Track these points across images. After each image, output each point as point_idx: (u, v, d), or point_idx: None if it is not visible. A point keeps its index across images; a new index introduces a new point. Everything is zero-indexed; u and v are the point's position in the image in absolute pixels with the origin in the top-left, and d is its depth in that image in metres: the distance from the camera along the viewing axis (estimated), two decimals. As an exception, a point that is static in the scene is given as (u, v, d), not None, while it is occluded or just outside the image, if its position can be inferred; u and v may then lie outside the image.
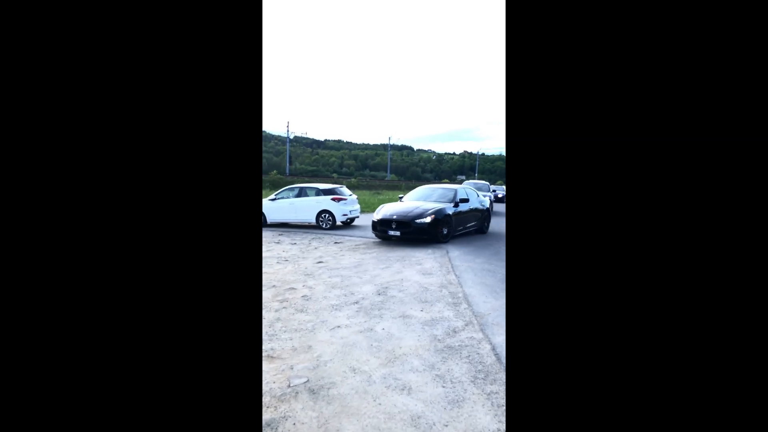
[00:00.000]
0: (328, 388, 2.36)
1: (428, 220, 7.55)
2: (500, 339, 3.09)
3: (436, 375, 2.52)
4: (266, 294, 4.35)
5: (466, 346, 2.96)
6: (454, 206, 8.17)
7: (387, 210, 8.19)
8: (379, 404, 2.20)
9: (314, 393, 2.31)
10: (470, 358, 2.76)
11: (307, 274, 5.24)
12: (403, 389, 2.35)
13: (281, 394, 2.29)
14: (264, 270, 5.47)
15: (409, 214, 7.74)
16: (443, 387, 2.38)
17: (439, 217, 7.69)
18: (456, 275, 5.20)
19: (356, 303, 4.01)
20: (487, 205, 9.64)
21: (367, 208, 16.50)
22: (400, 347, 2.95)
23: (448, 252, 6.86)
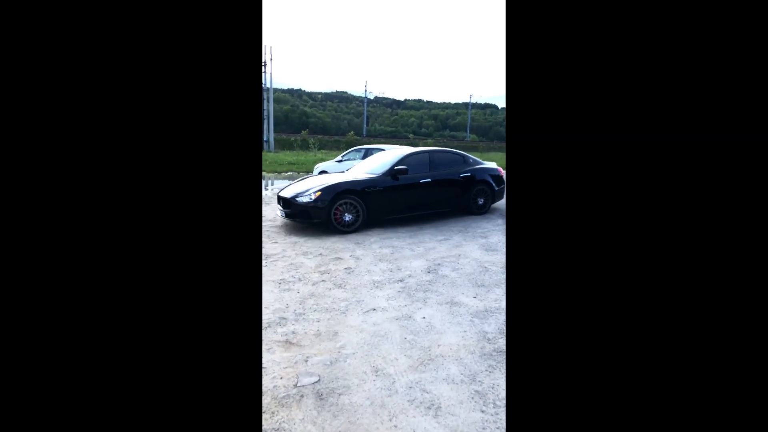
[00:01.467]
0: (340, 394, 1.97)
1: (310, 198, 5.26)
2: (570, 347, 2.42)
3: (476, 391, 1.98)
4: (310, 263, 4.09)
5: (523, 352, 2.35)
6: (391, 178, 5.70)
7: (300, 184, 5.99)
8: (395, 426, 1.75)
9: (322, 399, 1.93)
10: (525, 371, 2.16)
11: (358, 243, 4.89)
12: (429, 407, 1.87)
13: (284, 396, 1.95)
14: (317, 235, 5.24)
15: (298, 189, 5.59)
16: (482, 412, 1.84)
17: (331, 194, 5.25)
18: (525, 253, 4.45)
19: (401, 281, 3.55)
20: (488, 176, 6.63)
21: (440, 170, 15.72)
22: (439, 345, 2.44)
23: (520, 224, 6.02)
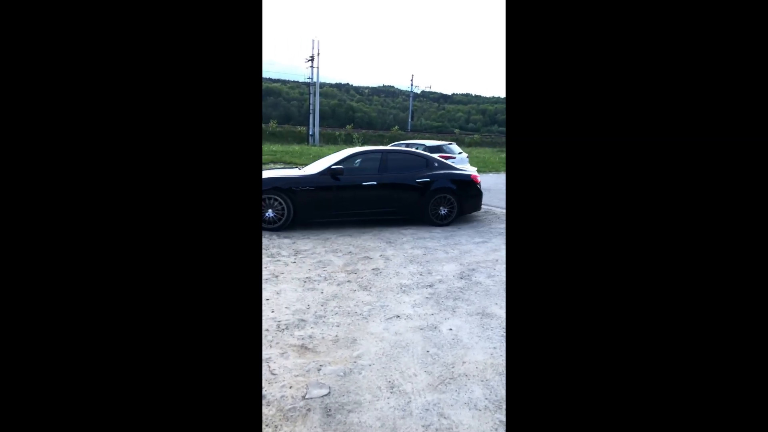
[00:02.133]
0: (349, 411, 1.82)
1: None
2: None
3: (501, 422, 1.76)
4: (339, 261, 3.99)
5: (559, 378, 2.09)
6: (331, 177, 5.31)
7: None
8: (404, 455, 1.57)
9: (329, 416, 1.80)
10: (560, 401, 1.90)
11: (389, 242, 4.73)
12: (445, 436, 1.68)
13: (290, 408, 1.84)
14: (349, 232, 5.15)
15: None
16: (504, 448, 1.62)
17: None
18: (570, 261, 4.08)
19: (430, 286, 3.35)
20: (451, 183, 5.76)
21: (485, 167, 15.15)
22: (464, 362, 2.23)
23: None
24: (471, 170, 6.40)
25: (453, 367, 2.18)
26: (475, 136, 38.10)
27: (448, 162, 8.97)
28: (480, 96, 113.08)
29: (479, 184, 6.16)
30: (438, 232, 5.24)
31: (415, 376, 2.10)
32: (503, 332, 2.57)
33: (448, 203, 5.72)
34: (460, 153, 9.58)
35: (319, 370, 2.15)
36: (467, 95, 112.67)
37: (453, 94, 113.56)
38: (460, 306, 2.97)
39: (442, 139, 22.88)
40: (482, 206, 7.25)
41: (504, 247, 4.58)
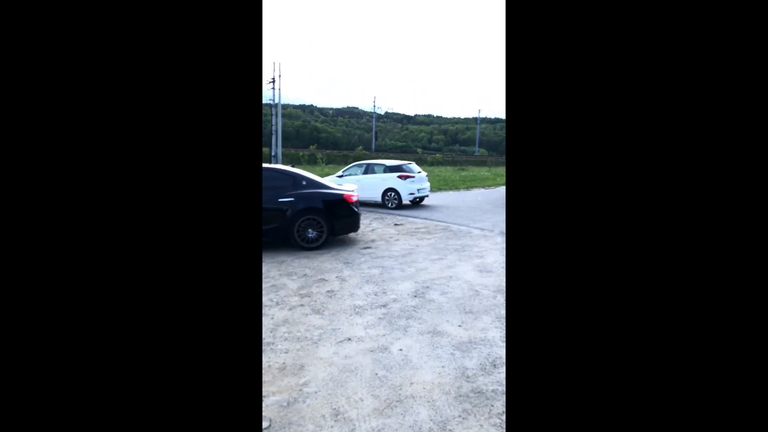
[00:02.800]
0: (289, 443, 1.74)
1: None
2: (558, 388, 2.15)
3: (444, 443, 1.74)
4: (293, 285, 3.90)
5: (504, 393, 2.10)
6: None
7: None
8: (343, 487, 1.51)
9: (267, 449, 1.71)
10: (503, 419, 1.91)
11: (347, 263, 4.69)
12: (387, 462, 1.63)
13: (226, 445, 1.73)
14: (306, 254, 5.06)
15: None
16: (446, 470, 1.60)
17: None
18: (522, 276, 4.19)
19: (384, 306, 3.33)
20: (322, 203, 5.41)
21: (446, 186, 15.49)
22: (412, 383, 2.20)
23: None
24: (348, 189, 5.88)
25: (401, 389, 2.15)
26: (437, 155, 39.05)
27: (407, 181, 9.13)
28: (441, 117, 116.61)
29: (354, 204, 5.64)
30: (397, 249, 5.26)
31: (362, 401, 2.05)
32: (452, 350, 2.57)
33: (317, 225, 5.31)
34: (419, 172, 9.75)
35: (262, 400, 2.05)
36: (429, 116, 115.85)
37: (416, 115, 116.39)
38: (413, 325, 2.96)
39: (405, 159, 23.28)
40: (441, 223, 7.37)
41: (458, 263, 4.65)
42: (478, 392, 2.11)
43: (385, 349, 2.60)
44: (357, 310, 3.26)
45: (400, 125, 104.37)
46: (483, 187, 15.93)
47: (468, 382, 2.21)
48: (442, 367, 2.38)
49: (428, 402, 2.03)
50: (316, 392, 2.12)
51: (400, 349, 2.59)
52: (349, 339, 2.75)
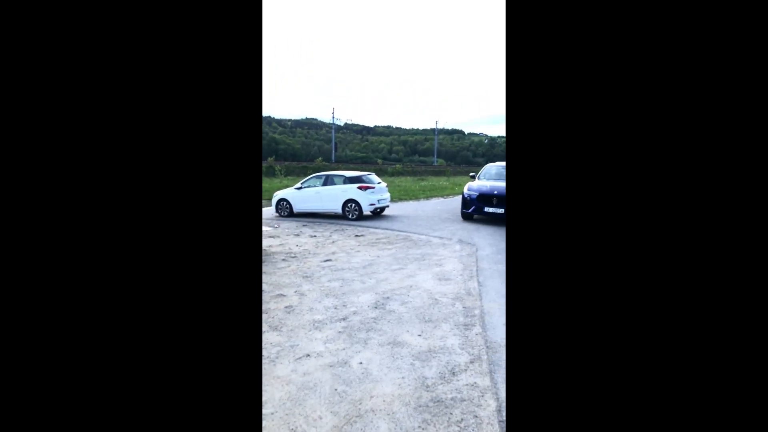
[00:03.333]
0: (243, 470, 1.66)
1: None
2: (513, 391, 2.21)
3: (404, 456, 1.73)
4: (249, 302, 3.76)
5: (463, 400, 2.13)
6: None
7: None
8: None
9: (219, 478, 1.62)
10: (462, 425, 1.93)
11: (306, 276, 4.60)
12: (346, 481, 1.59)
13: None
14: (264, 269, 4.92)
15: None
16: (406, 483, 1.58)
17: None
18: (479, 282, 4.30)
19: (344, 319, 3.29)
20: None
21: (406, 196, 15.66)
22: (372, 396, 2.18)
23: (477, 250, 5.92)
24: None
25: (360, 404, 2.12)
26: (398, 165, 39.50)
27: (367, 191, 9.15)
28: (400, 128, 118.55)
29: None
30: (357, 261, 5.23)
31: (321, 419, 2.00)
32: (412, 360, 2.58)
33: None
34: (379, 182, 9.81)
35: (213, 427, 1.95)
36: (388, 127, 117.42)
37: (375, 126, 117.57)
38: (373, 337, 2.94)
39: (366, 170, 23.34)
40: (401, 233, 7.43)
41: (418, 272, 4.70)
42: (438, 401, 2.12)
43: (345, 363, 2.57)
44: (316, 324, 3.20)
45: (360, 136, 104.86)
46: (442, 196, 16.28)
47: (427, 391, 2.22)
48: (402, 378, 2.37)
49: (388, 415, 2.02)
50: (272, 413, 2.05)
51: (360, 363, 2.56)
52: (308, 355, 2.68)
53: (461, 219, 9.00)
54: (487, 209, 8.22)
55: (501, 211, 8.05)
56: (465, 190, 8.75)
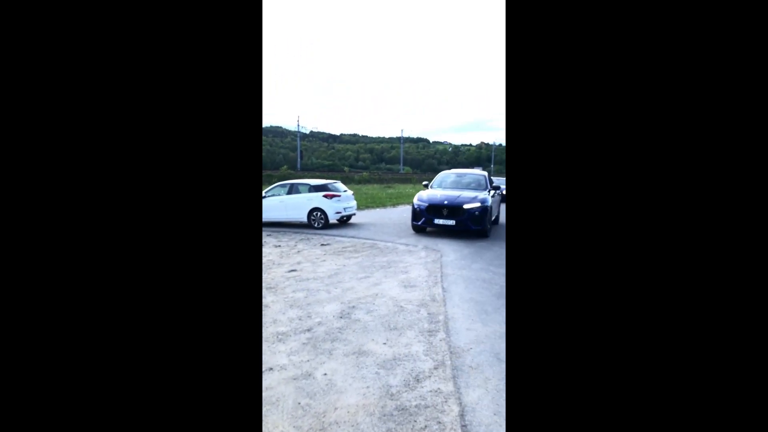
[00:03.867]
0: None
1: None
2: (476, 395, 2.26)
3: (367, 467, 1.72)
4: (210, 316, 3.63)
5: (427, 407, 2.15)
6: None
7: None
8: None
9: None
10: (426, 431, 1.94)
11: (270, 288, 4.50)
12: (309, 497, 1.56)
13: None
14: (226, 281, 4.77)
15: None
16: (369, 495, 1.58)
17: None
18: (443, 288, 4.37)
19: (309, 330, 3.24)
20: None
21: (373, 203, 15.71)
22: (336, 408, 2.16)
23: (442, 257, 6.02)
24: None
25: (324, 417, 2.09)
26: (364, 173, 39.62)
27: (333, 200, 9.10)
28: (366, 136, 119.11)
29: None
30: (323, 270, 5.18)
31: (283, 434, 1.95)
32: (377, 369, 2.58)
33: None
34: (345, 191, 9.78)
35: (168, 450, 1.86)
36: (354, 135, 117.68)
37: (341, 134, 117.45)
38: (338, 348, 2.91)
39: (333, 178, 23.22)
40: (368, 240, 7.43)
41: (384, 280, 4.71)
42: (402, 409, 2.13)
43: (309, 375, 2.52)
44: (280, 337, 3.14)
45: (326, 144, 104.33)
46: (409, 203, 16.44)
47: (392, 400, 2.22)
48: (367, 387, 2.36)
49: (352, 426, 2.00)
50: None
51: (325, 374, 2.53)
52: (271, 369, 2.62)
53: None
54: (437, 221, 7.59)
55: (452, 223, 7.47)
56: (415, 200, 8.07)
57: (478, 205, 7.50)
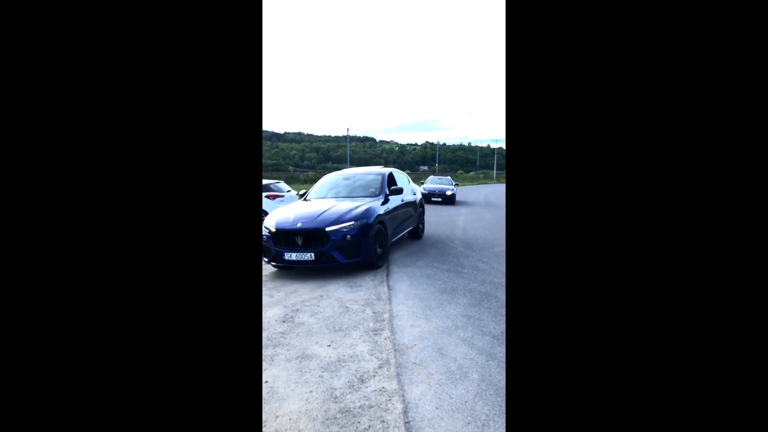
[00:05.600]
0: None
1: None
2: (419, 391, 2.28)
3: (309, 474, 1.67)
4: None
5: (371, 407, 2.14)
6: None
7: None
8: None
9: None
10: (370, 431, 1.93)
11: (208, 294, 4.26)
12: None
13: None
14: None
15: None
16: (310, 503, 1.53)
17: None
18: (388, 286, 4.40)
19: (249, 337, 3.10)
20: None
21: (319, 203, 15.48)
22: (277, 416, 2.08)
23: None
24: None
25: (265, 426, 2.00)
26: (310, 173, 38.95)
27: (276, 200, 8.82)
28: (312, 134, 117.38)
29: None
30: (264, 275, 4.99)
31: (219, 449, 1.84)
32: (321, 372, 2.53)
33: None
34: (288, 191, 9.54)
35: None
36: (299, 134, 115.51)
37: (285, 133, 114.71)
38: (280, 353, 2.82)
39: (277, 177, 22.52)
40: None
41: (329, 281, 4.65)
42: (346, 411, 2.10)
43: (249, 384, 2.41)
44: (217, 345, 2.97)
45: (269, 143, 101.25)
46: (355, 202, 16.44)
47: (336, 403, 2.19)
48: (310, 392, 2.31)
49: (294, 433, 1.94)
50: (162, 452, 1.83)
51: (266, 381, 2.43)
52: (207, 380, 2.47)
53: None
54: (288, 256, 4.65)
55: (309, 257, 4.59)
56: (265, 223, 4.95)
57: (350, 224, 4.67)
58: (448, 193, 15.41)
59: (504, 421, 2.01)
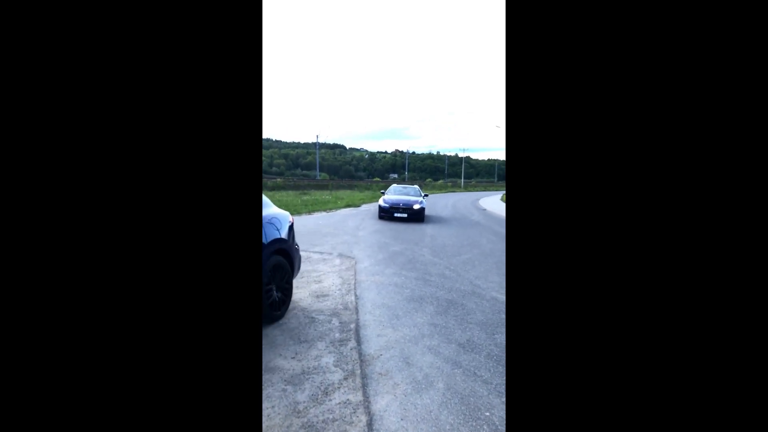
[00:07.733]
0: None
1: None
2: (384, 402, 2.26)
3: (268, 495, 1.61)
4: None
5: (335, 420, 2.09)
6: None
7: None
8: None
9: None
10: (332, 447, 1.88)
11: (166, 307, 4.06)
12: None
13: None
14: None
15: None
16: None
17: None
18: (356, 295, 4.36)
19: (209, 351, 2.97)
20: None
21: (288, 211, 15.20)
22: (236, 434, 1.99)
23: (356, 263, 6.03)
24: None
25: (222, 445, 1.91)
26: (278, 179, 38.33)
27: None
28: (281, 141, 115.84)
29: None
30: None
31: (172, 472, 1.74)
32: (284, 386, 2.46)
33: None
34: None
35: None
36: (268, 140, 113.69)
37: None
38: (241, 367, 2.72)
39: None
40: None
41: (296, 291, 4.56)
42: (309, 426, 2.05)
43: (207, 401, 2.31)
44: (175, 361, 2.83)
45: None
46: (325, 210, 16.26)
47: (298, 417, 2.13)
48: (272, 407, 2.23)
49: (254, 452, 1.86)
50: (108, 478, 1.71)
51: (225, 398, 2.33)
52: (162, 399, 2.34)
53: (342, 232, 9.07)
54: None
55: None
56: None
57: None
58: (416, 207, 11.39)
59: (468, 430, 2.03)
